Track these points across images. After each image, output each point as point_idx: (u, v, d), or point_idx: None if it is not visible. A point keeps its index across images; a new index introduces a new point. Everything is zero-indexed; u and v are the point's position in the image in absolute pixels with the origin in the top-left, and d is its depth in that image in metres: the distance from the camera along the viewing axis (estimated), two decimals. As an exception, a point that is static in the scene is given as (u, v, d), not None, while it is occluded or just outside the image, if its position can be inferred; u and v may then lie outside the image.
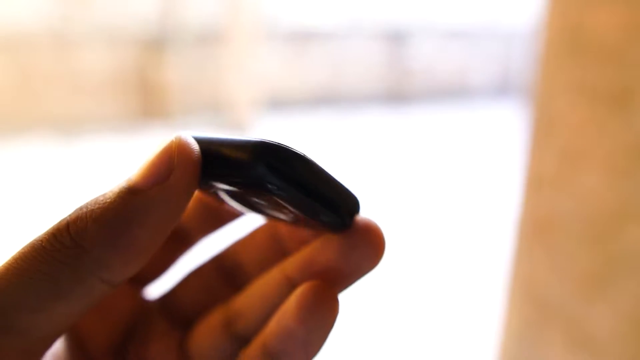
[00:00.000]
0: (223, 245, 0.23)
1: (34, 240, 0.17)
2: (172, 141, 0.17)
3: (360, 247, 0.19)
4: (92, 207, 0.17)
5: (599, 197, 1.02)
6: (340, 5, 5.12)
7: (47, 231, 0.17)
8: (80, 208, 0.17)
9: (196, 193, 0.23)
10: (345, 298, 2.16)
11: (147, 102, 4.65)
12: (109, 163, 3.72)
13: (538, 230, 1.18)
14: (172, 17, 4.58)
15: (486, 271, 2.45)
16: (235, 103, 4.45)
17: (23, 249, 0.17)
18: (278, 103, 5.05)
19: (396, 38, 5.40)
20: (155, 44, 4.54)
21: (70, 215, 0.17)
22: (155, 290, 0.24)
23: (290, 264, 0.21)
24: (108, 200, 0.17)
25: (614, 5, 0.95)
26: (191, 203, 0.23)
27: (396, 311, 2.08)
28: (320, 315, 0.18)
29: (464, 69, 5.80)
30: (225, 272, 0.23)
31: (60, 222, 0.17)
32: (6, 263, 0.17)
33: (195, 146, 0.17)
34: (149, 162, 0.17)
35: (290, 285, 0.21)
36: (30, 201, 3.06)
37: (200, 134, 0.19)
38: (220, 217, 0.23)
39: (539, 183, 1.17)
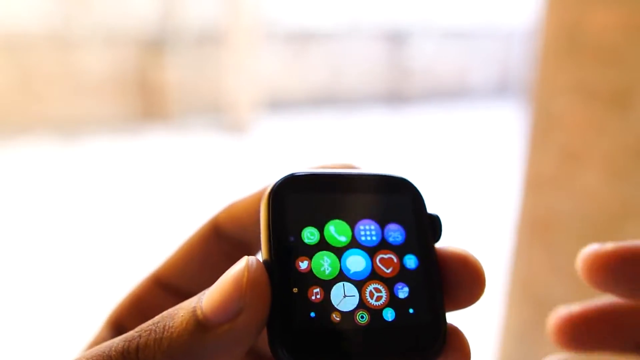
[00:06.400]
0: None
1: (104, 350, 0.17)
2: (243, 272, 0.17)
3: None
4: (160, 335, 0.16)
5: (598, 197, 1.02)
6: (339, 6, 5.13)
7: (118, 347, 0.16)
8: (149, 331, 0.17)
9: None
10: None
11: (147, 103, 4.65)
12: (109, 164, 3.73)
13: (537, 230, 1.18)
14: (172, 18, 4.58)
15: (486, 271, 2.44)
16: (235, 104, 4.45)
17: (92, 353, 0.17)
18: (278, 104, 5.05)
19: (396, 38, 5.40)
20: (155, 45, 4.54)
21: (140, 339, 0.17)
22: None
23: None
24: (176, 331, 0.16)
25: (613, 5, 0.95)
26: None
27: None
28: None
29: (463, 69, 5.81)
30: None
31: (131, 342, 0.17)
32: None
33: (267, 285, 0.17)
34: (219, 293, 0.17)
35: None
36: (30, 202, 3.06)
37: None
38: None
39: (538, 183, 1.17)
